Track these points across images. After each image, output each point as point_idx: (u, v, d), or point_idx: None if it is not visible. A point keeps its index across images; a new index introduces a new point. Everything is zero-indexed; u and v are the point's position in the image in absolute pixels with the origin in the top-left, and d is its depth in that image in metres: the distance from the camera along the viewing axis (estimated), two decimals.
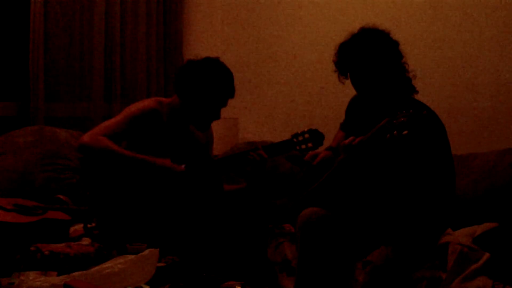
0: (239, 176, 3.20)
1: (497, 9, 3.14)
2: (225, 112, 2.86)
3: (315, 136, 2.76)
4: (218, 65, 2.73)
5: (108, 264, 2.23)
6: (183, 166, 2.64)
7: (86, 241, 2.62)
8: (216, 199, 2.70)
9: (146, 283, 2.21)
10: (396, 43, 2.37)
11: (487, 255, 2.15)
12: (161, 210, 2.62)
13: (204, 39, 4.39)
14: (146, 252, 2.30)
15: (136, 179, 2.64)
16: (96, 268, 2.20)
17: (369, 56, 2.31)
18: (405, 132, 2.07)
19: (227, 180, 3.08)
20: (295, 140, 2.76)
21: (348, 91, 2.57)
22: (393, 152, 2.23)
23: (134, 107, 2.74)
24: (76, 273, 2.15)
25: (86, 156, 2.65)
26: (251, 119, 4.16)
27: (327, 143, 2.72)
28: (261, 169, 2.73)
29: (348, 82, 2.44)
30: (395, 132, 2.09)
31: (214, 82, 2.69)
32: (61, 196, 3.08)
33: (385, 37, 2.36)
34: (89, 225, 2.72)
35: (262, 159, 2.70)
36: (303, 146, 2.76)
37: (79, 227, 2.76)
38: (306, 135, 2.76)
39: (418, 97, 2.44)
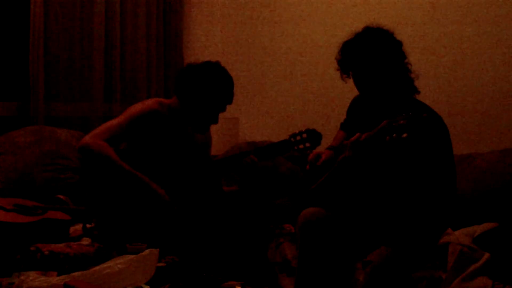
0: (238, 175, 3.21)
1: (497, 9, 3.14)
2: (225, 112, 2.86)
3: (313, 136, 2.76)
4: (219, 70, 2.73)
5: (108, 264, 2.23)
6: (167, 198, 2.61)
7: (86, 241, 2.62)
8: (216, 200, 2.70)
9: (146, 283, 2.21)
10: (399, 43, 2.37)
11: (487, 255, 2.15)
12: (161, 210, 2.62)
13: (204, 39, 4.40)
14: (146, 252, 2.30)
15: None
16: (96, 268, 2.20)
17: (372, 55, 2.30)
18: (405, 135, 2.07)
19: (228, 180, 3.09)
20: (292, 140, 2.77)
21: (348, 91, 2.57)
22: (392, 154, 2.23)
23: (136, 108, 2.73)
24: (76, 273, 2.15)
25: (85, 158, 2.64)
26: (251, 119, 4.17)
27: (326, 143, 2.72)
28: (252, 172, 2.73)
29: (349, 82, 2.43)
30: (394, 134, 2.09)
31: (213, 87, 2.69)
32: (61, 196, 3.08)
33: (389, 36, 2.36)
34: (88, 225, 2.72)
35: (253, 163, 2.71)
36: (301, 146, 2.77)
37: (79, 227, 2.76)
38: (304, 135, 2.76)
39: (418, 97, 2.44)
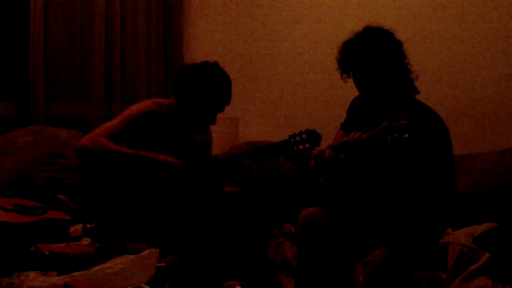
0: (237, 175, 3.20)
1: (497, 9, 3.14)
2: (225, 112, 2.86)
3: (313, 136, 2.77)
4: (216, 71, 2.73)
5: (108, 264, 2.23)
6: (186, 162, 2.63)
7: (86, 241, 2.62)
8: (216, 199, 2.70)
9: (146, 283, 2.21)
10: (399, 43, 2.37)
11: (487, 255, 2.15)
12: (161, 210, 2.62)
13: (204, 39, 4.40)
14: (146, 252, 2.30)
15: (136, 179, 2.64)
16: (96, 268, 2.20)
17: (372, 55, 2.30)
18: (406, 135, 2.07)
19: (229, 180, 3.08)
20: (292, 140, 2.77)
21: (348, 91, 2.57)
22: (393, 154, 2.23)
23: (133, 109, 2.73)
24: (76, 273, 2.15)
25: (85, 159, 2.64)
26: (251, 119, 4.16)
27: (326, 143, 2.72)
28: (249, 173, 2.73)
29: (349, 82, 2.44)
30: (395, 135, 2.09)
31: (211, 88, 2.69)
32: (61, 196, 3.08)
33: (389, 36, 2.36)
34: (88, 225, 2.72)
35: (249, 165, 2.71)
36: (301, 147, 2.77)
37: (79, 227, 2.76)
38: (304, 136, 2.77)
39: (419, 97, 2.44)
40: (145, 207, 2.62)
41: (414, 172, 2.27)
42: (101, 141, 2.58)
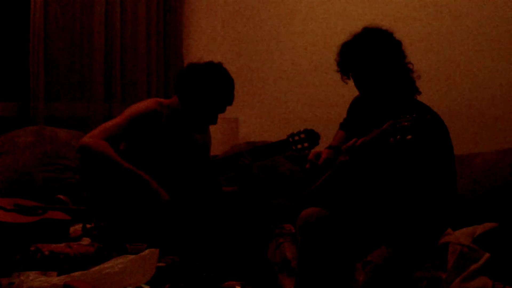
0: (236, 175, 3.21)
1: (497, 9, 3.14)
2: (225, 112, 2.86)
3: (311, 136, 2.78)
4: (220, 71, 2.73)
5: (108, 264, 2.23)
6: (167, 197, 2.61)
7: (86, 241, 2.62)
8: (215, 200, 2.70)
9: (146, 283, 2.21)
10: (399, 43, 2.37)
11: (487, 255, 2.15)
12: (160, 208, 2.62)
13: (204, 39, 4.40)
14: (146, 252, 2.30)
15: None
16: (96, 268, 2.21)
17: (371, 56, 2.30)
18: (409, 137, 2.07)
19: (229, 180, 3.08)
20: (291, 140, 2.78)
21: (348, 91, 2.57)
22: (395, 155, 2.23)
23: (134, 108, 2.74)
24: (76, 273, 2.15)
25: (85, 158, 2.65)
26: (251, 119, 4.17)
27: (325, 143, 2.72)
28: (248, 172, 2.73)
29: (349, 82, 2.43)
30: (398, 136, 2.09)
31: (214, 88, 2.70)
32: (61, 196, 3.08)
33: (388, 36, 2.36)
34: (88, 225, 2.72)
35: (249, 164, 2.71)
36: (299, 146, 2.78)
37: (79, 227, 2.76)
38: (302, 135, 2.78)
39: (419, 97, 2.43)
40: (145, 207, 2.61)
41: (415, 173, 2.27)
42: (102, 146, 2.58)
